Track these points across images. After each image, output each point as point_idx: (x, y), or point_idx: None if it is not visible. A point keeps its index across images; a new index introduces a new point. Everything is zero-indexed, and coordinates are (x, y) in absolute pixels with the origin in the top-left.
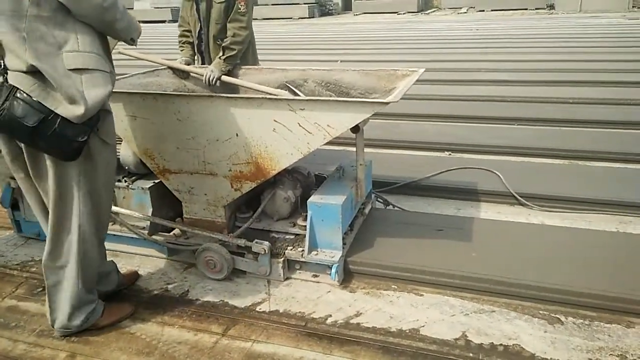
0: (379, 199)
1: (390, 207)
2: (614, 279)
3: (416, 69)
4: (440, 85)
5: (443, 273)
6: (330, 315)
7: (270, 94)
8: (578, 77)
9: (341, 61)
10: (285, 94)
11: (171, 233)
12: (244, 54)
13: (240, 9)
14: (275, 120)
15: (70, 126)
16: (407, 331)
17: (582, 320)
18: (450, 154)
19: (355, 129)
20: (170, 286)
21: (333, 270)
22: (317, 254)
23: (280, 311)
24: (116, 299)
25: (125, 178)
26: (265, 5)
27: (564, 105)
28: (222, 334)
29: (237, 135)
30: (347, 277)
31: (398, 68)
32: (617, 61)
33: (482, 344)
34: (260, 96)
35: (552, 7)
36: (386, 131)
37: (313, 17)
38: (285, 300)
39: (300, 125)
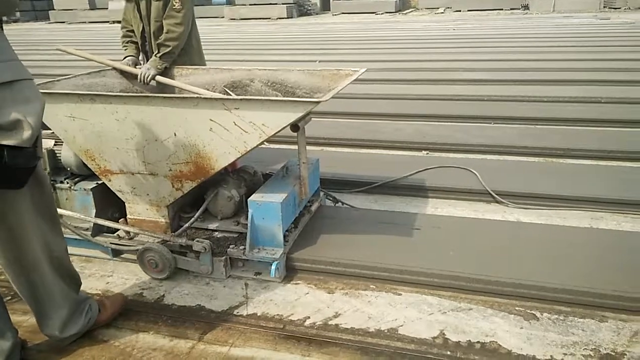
0: (328, 197)
1: (340, 204)
2: (588, 274)
3: (357, 69)
4: (417, 85)
5: (418, 272)
6: (309, 317)
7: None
8: (552, 75)
9: (320, 61)
10: (220, 96)
11: (116, 234)
12: (189, 54)
13: (175, 5)
14: (211, 120)
15: (21, 154)
16: (386, 331)
17: (557, 316)
18: (427, 153)
19: (295, 128)
20: (145, 291)
21: (273, 267)
22: (258, 251)
23: (258, 314)
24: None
25: (67, 179)
26: (243, 5)
27: (539, 104)
28: (199, 339)
29: (175, 135)
30: (289, 273)
31: (341, 68)
32: (589, 60)
33: (459, 341)
34: (196, 95)
35: (526, 7)
36: (363, 131)
37: (291, 17)
38: (263, 303)
39: (236, 125)
